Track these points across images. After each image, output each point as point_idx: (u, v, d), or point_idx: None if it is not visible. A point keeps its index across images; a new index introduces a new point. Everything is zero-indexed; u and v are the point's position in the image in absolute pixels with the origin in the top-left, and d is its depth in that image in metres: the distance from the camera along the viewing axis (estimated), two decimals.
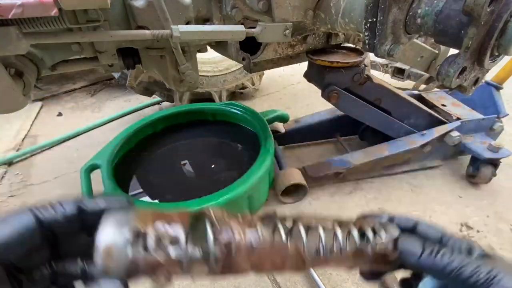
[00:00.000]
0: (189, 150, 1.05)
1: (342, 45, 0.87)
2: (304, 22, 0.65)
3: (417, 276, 0.25)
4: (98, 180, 0.79)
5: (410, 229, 0.25)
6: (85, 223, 0.21)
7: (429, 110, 0.98)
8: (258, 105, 1.58)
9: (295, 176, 0.85)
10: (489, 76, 1.01)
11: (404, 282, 0.27)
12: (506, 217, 0.87)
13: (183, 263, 0.19)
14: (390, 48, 0.50)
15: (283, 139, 1.09)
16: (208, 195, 0.71)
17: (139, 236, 0.19)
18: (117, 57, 0.67)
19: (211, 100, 1.43)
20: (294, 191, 0.89)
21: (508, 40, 0.42)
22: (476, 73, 0.49)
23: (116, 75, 1.39)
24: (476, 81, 0.51)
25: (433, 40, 0.48)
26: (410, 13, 0.48)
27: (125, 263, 0.18)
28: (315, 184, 0.93)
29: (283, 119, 1.07)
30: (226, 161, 0.98)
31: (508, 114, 1.04)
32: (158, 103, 1.60)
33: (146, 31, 0.53)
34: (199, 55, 0.83)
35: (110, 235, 0.18)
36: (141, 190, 0.86)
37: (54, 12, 0.43)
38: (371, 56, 0.90)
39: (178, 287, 0.71)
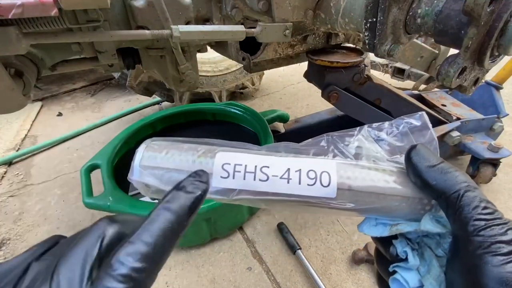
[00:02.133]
0: None
1: (342, 45, 0.87)
2: (304, 22, 0.65)
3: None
4: (98, 180, 0.79)
5: None
6: None
7: (429, 110, 0.98)
8: (258, 105, 1.58)
9: None
10: (489, 76, 1.01)
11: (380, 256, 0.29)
12: (506, 217, 0.87)
13: None
14: (390, 48, 0.50)
15: (283, 139, 1.09)
16: None
17: None
18: (117, 57, 0.67)
19: (211, 100, 1.43)
20: None
21: (508, 40, 0.42)
22: (476, 73, 0.49)
23: (116, 75, 1.39)
24: (476, 81, 0.51)
25: (433, 40, 0.48)
26: (410, 13, 0.48)
27: None
28: None
29: (283, 119, 1.07)
30: None
31: (508, 114, 1.04)
32: (158, 103, 1.60)
33: (146, 31, 0.53)
34: (199, 55, 0.83)
35: None
36: None
37: (54, 12, 0.43)
38: (371, 56, 0.90)
39: (178, 287, 0.71)
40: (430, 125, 0.29)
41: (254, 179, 0.26)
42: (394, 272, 0.26)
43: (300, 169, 0.26)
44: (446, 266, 0.24)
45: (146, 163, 0.28)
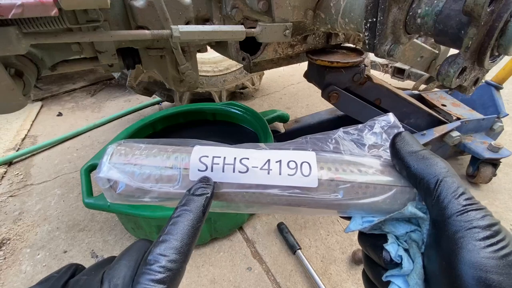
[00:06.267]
0: None
1: (342, 45, 0.87)
2: (304, 22, 0.65)
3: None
4: None
5: None
6: None
7: (429, 110, 0.98)
8: (258, 105, 1.58)
9: None
10: (489, 76, 1.01)
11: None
12: (506, 217, 0.87)
13: None
14: (390, 48, 0.50)
15: (283, 139, 1.09)
16: None
17: None
18: (117, 57, 0.67)
19: (211, 100, 1.43)
20: None
21: (508, 40, 0.42)
22: (476, 73, 0.49)
23: (116, 75, 1.39)
24: (476, 81, 0.51)
25: (433, 40, 0.48)
26: (410, 13, 0.48)
27: None
28: None
29: (283, 119, 1.07)
30: None
31: (508, 114, 1.04)
32: (158, 103, 1.60)
33: (146, 31, 0.53)
34: (199, 55, 0.83)
35: None
36: None
37: (54, 12, 0.43)
38: (371, 56, 0.90)
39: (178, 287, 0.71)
40: (399, 123, 0.30)
41: (234, 171, 0.25)
42: (389, 282, 0.24)
43: (280, 160, 0.26)
44: (423, 254, 0.23)
45: (116, 160, 0.26)
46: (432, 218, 0.22)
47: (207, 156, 0.26)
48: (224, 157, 0.26)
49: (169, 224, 0.23)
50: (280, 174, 0.25)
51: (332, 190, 0.25)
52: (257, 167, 0.25)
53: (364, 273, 0.29)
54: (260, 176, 0.25)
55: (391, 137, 0.28)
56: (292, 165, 0.26)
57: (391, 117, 0.31)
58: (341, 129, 0.31)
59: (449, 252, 0.19)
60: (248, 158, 0.26)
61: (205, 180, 0.25)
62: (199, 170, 0.26)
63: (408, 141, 0.26)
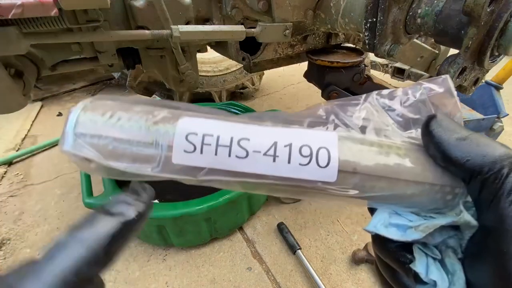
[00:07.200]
0: None
1: (342, 45, 0.87)
2: (304, 22, 0.65)
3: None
4: (98, 180, 0.79)
5: None
6: None
7: None
8: (258, 105, 1.58)
9: None
10: (489, 76, 1.01)
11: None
12: None
13: None
14: (390, 48, 0.50)
15: None
16: (208, 195, 0.71)
17: None
18: (117, 57, 0.67)
19: (211, 100, 1.43)
20: None
21: (508, 40, 0.42)
22: (476, 73, 0.49)
23: (116, 75, 1.39)
24: (476, 81, 0.51)
25: (433, 40, 0.48)
26: (410, 13, 0.48)
27: None
28: None
29: None
30: None
31: (508, 114, 1.04)
32: None
33: (146, 31, 0.53)
34: (199, 55, 0.83)
35: None
36: None
37: (54, 12, 0.43)
38: (371, 56, 0.90)
39: (178, 287, 0.71)
40: (455, 93, 0.22)
41: (229, 155, 0.20)
42: None
43: (290, 143, 0.20)
44: (464, 264, 0.19)
45: (82, 130, 0.20)
46: (486, 223, 0.17)
47: (196, 134, 0.20)
48: (218, 136, 0.20)
49: (40, 263, 0.15)
50: (289, 162, 0.20)
51: (353, 184, 0.20)
52: (260, 152, 0.20)
53: (378, 271, 0.24)
54: (263, 164, 0.20)
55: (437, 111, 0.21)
56: (305, 151, 0.20)
57: (444, 81, 0.23)
58: (373, 94, 0.24)
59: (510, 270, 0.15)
60: (248, 139, 0.20)
61: (136, 191, 0.20)
62: (185, 151, 0.20)
63: (448, 125, 0.19)
